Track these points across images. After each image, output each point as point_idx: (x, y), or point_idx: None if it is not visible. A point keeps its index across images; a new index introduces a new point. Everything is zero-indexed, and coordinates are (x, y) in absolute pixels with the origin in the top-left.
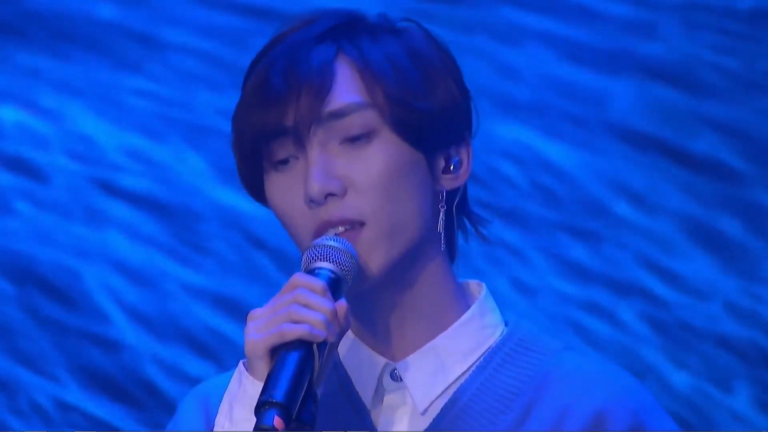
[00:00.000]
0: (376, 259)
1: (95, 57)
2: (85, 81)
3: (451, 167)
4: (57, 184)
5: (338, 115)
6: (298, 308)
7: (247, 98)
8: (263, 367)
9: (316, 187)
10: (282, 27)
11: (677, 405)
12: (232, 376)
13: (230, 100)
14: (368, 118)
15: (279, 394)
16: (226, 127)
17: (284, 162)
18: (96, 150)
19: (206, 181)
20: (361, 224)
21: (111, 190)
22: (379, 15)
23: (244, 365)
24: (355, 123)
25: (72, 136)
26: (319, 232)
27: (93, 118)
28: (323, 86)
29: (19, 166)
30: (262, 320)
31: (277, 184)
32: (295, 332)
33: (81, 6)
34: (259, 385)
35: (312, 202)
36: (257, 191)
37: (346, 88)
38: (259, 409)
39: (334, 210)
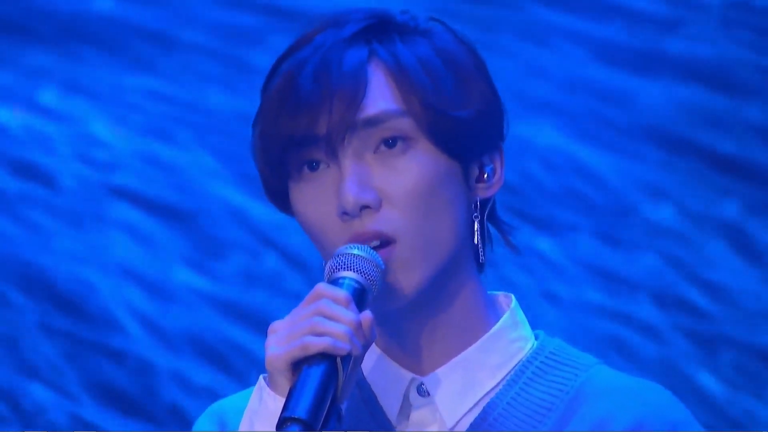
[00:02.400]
0: (410, 278)
1: (107, 57)
2: (97, 82)
3: (485, 175)
4: (68, 190)
5: (373, 122)
6: (321, 320)
7: (273, 102)
8: (285, 382)
9: (351, 199)
10: (307, 27)
11: (717, 419)
12: (250, 394)
13: (248, 101)
14: (404, 126)
15: (302, 410)
16: (244, 130)
17: (313, 166)
18: (109, 154)
19: (223, 186)
20: (394, 241)
21: (124, 195)
22: (403, 13)
23: (264, 380)
24: (391, 130)
25: (84, 140)
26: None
27: (105, 120)
28: (357, 92)
29: (28, 171)
30: (284, 333)
31: (305, 193)
32: (317, 345)
33: (93, 5)
34: (280, 401)
35: (346, 214)
36: (281, 200)
37: (381, 94)
38: (281, 425)
39: (368, 223)
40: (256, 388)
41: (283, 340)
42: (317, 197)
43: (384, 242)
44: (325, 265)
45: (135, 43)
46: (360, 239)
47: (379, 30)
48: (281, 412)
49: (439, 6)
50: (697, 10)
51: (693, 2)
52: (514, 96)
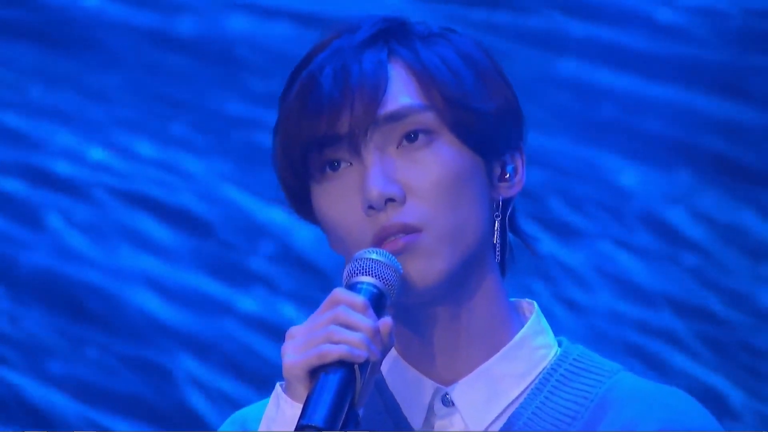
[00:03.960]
0: (434, 266)
1: (131, 67)
2: (121, 91)
3: (507, 175)
4: (93, 200)
5: (395, 117)
6: (338, 328)
7: (294, 106)
8: (302, 389)
9: (375, 192)
10: (324, 34)
11: (736, 426)
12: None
13: (271, 108)
14: (426, 119)
15: (319, 418)
16: (265, 137)
17: (335, 166)
18: (134, 164)
19: (249, 198)
20: (419, 231)
21: (149, 206)
22: (419, 23)
23: (281, 387)
24: (413, 125)
25: (109, 149)
26: (378, 239)
27: (130, 130)
28: (377, 89)
29: (51, 180)
30: (301, 340)
31: (329, 193)
32: (334, 353)
33: (118, 14)
34: (297, 408)
35: (371, 208)
36: (302, 204)
37: (402, 90)
38: None
39: (393, 216)
40: (273, 395)
41: (300, 348)
42: (341, 196)
43: (408, 233)
44: (344, 270)
45: (160, 53)
46: (386, 233)
47: (397, 32)
48: (298, 419)
49: (456, 13)
50: (715, 17)
51: (711, 10)
52: (534, 104)
